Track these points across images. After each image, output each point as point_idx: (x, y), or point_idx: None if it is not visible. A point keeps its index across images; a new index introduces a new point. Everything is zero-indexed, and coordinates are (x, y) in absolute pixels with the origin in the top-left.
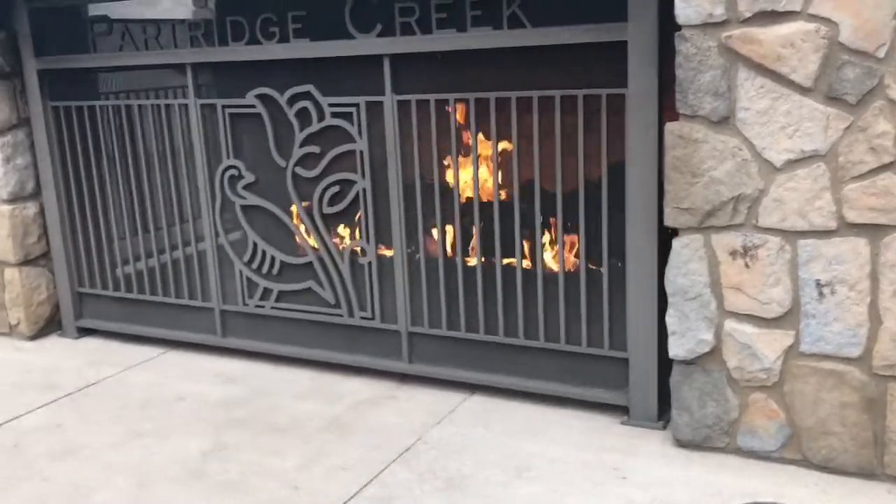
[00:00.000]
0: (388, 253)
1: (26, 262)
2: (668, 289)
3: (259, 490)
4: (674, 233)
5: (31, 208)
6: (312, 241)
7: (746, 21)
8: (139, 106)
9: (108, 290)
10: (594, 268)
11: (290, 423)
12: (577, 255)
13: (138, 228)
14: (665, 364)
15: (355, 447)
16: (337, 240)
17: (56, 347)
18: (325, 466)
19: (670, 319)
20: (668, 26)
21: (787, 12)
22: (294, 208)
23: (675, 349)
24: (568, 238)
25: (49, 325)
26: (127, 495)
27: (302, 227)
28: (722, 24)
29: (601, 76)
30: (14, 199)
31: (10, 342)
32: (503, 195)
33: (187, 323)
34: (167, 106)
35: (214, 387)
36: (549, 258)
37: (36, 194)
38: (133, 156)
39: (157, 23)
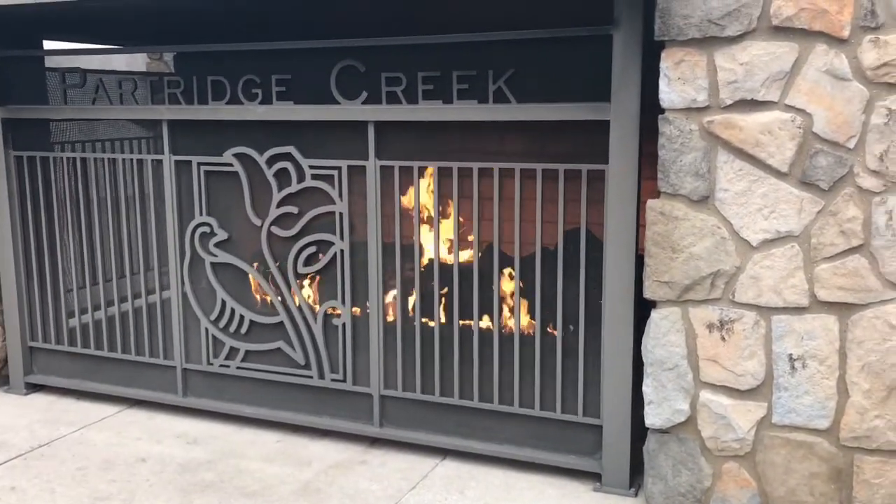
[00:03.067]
0: (363, 314)
1: None
2: (646, 359)
3: None
4: (650, 304)
5: None
6: (285, 301)
7: (727, 108)
8: (109, 159)
9: (63, 345)
10: (567, 333)
11: (261, 487)
12: (551, 323)
13: (99, 282)
14: (637, 432)
15: None
16: (310, 300)
17: (3, 404)
18: None
19: (647, 389)
20: (648, 106)
21: (765, 101)
22: (267, 268)
23: (652, 418)
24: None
25: None
26: None
27: (274, 287)
28: (704, 110)
29: (583, 148)
30: None
31: None
32: (480, 261)
33: (147, 381)
34: (139, 161)
35: (177, 448)
36: (524, 324)
37: None
38: (98, 208)
39: (133, 77)
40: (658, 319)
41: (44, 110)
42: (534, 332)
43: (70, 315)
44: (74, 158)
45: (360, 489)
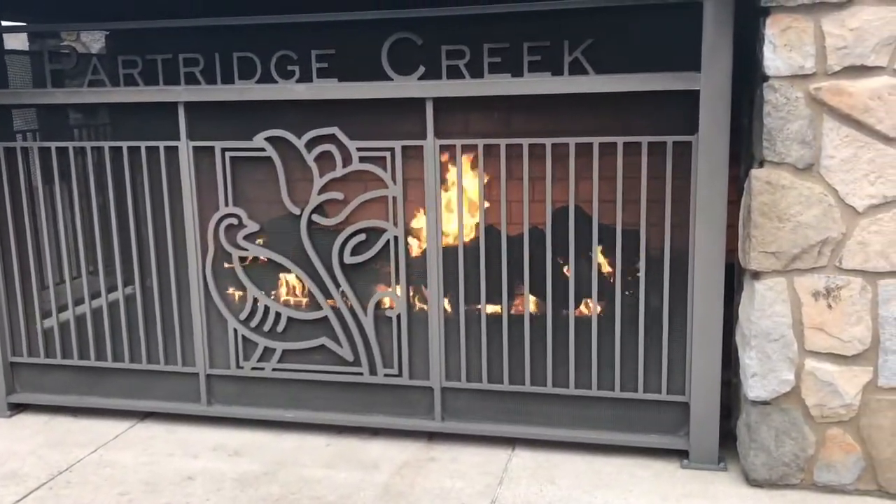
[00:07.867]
0: (423, 305)
1: None
2: (749, 331)
3: None
4: (752, 276)
5: None
6: (329, 294)
7: (835, 74)
8: (110, 147)
9: (54, 359)
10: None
11: (338, 497)
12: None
13: (101, 290)
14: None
15: None
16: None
17: None
18: None
19: (751, 361)
20: (738, 77)
21: (874, 67)
22: (307, 259)
23: (757, 391)
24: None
25: None
26: None
27: (315, 280)
28: (811, 77)
29: (663, 122)
30: None
31: None
32: (554, 241)
33: (161, 391)
34: (149, 148)
35: (221, 462)
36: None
37: None
38: (98, 202)
39: (142, 56)
40: (763, 290)
41: (24, 94)
42: (614, 314)
43: (62, 326)
44: (68, 148)
45: (446, 488)
